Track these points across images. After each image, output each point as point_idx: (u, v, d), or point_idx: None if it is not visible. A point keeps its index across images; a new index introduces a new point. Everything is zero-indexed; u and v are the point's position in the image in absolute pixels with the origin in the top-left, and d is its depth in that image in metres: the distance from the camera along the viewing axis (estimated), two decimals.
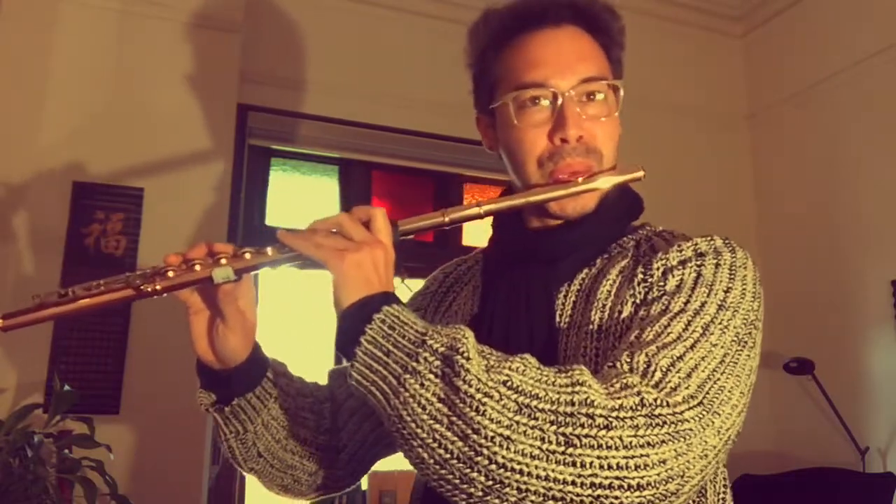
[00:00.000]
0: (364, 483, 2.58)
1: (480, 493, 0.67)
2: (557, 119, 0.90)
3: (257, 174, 2.74)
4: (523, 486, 0.65)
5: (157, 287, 0.79)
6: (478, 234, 2.93)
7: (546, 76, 0.90)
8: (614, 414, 0.67)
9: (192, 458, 2.17)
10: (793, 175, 3.11)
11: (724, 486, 0.89)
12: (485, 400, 0.67)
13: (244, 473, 0.98)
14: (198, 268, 0.80)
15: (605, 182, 0.90)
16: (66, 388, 1.83)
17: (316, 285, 2.84)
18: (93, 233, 2.16)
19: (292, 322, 2.76)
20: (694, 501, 0.84)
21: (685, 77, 3.18)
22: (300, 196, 2.86)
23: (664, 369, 0.72)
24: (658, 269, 0.85)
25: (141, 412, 2.11)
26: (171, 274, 0.80)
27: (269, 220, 2.74)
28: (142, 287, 0.79)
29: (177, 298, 0.86)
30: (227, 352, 0.87)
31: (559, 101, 0.90)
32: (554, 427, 0.66)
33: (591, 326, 0.86)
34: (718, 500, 0.87)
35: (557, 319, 0.88)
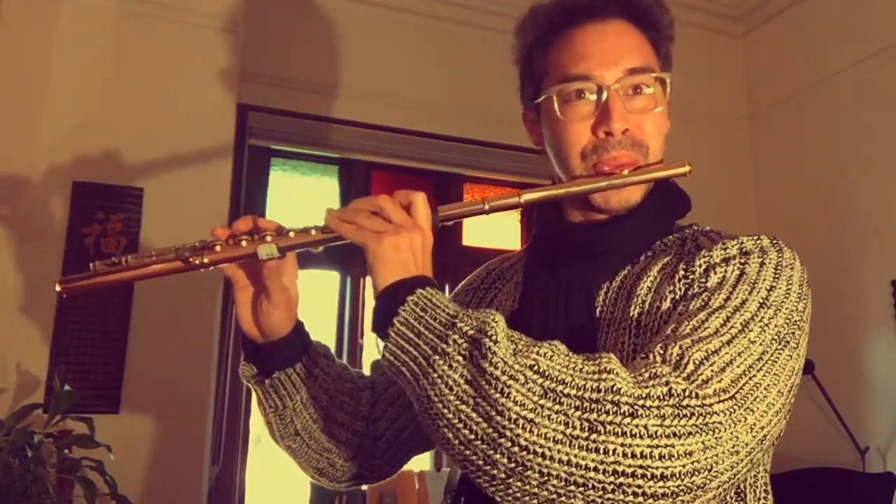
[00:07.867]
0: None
1: (503, 476, 0.68)
2: (602, 112, 0.89)
3: (257, 174, 2.75)
4: (545, 470, 0.66)
5: (205, 260, 0.83)
6: (478, 235, 2.92)
7: (590, 68, 0.90)
8: (640, 402, 0.67)
9: (192, 458, 2.17)
10: (793, 175, 3.10)
11: (766, 491, 0.87)
12: (510, 382, 0.67)
13: (281, 448, 1.00)
14: (244, 244, 0.84)
15: (649, 175, 0.89)
16: (66, 388, 1.83)
17: (315, 285, 2.84)
18: (93, 233, 2.16)
19: None
20: None
21: (685, 77, 3.14)
22: (300, 196, 2.85)
23: (697, 362, 0.70)
24: (700, 265, 0.84)
25: (141, 412, 2.12)
26: (218, 248, 0.84)
27: None
28: (190, 259, 0.83)
29: (222, 272, 0.90)
30: (270, 326, 0.90)
31: (604, 95, 0.89)
32: (579, 413, 0.66)
33: (629, 322, 0.85)
34: None
35: (597, 315, 0.88)
